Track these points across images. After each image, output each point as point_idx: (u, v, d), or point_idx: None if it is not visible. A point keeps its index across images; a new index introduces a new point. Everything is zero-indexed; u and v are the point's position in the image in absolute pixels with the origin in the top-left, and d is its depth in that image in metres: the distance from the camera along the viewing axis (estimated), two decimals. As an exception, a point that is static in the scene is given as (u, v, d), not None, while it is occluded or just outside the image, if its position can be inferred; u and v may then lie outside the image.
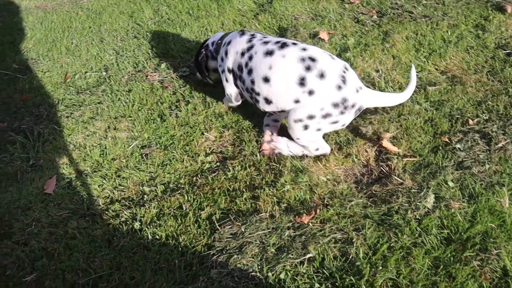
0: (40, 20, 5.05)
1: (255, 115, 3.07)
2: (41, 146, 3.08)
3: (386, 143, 2.65)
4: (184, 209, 2.44)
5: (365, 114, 2.95)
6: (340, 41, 3.78)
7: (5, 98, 3.69)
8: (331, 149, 2.70)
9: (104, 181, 2.71)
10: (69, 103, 3.54)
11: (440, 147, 2.64)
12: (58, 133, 3.19)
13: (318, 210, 2.32)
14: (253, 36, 2.73)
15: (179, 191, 2.56)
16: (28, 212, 2.58)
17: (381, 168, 2.58)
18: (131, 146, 2.96)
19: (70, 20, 5.01)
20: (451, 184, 2.38)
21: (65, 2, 5.65)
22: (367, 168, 2.61)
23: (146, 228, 2.35)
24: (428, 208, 2.26)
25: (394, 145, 2.67)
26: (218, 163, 2.75)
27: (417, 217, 2.22)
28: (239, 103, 2.97)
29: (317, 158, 2.66)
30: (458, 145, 2.63)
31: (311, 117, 2.45)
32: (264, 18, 4.37)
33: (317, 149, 2.65)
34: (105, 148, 2.97)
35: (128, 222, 2.41)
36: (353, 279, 1.97)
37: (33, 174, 2.86)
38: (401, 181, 2.44)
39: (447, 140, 2.67)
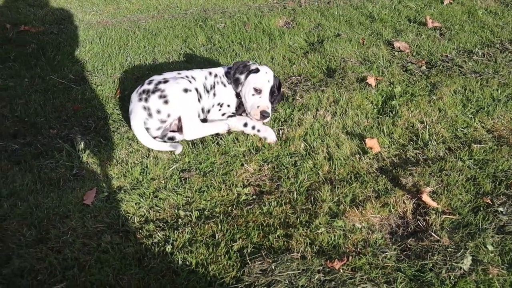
0: (99, 35, 5.26)
1: (296, 153, 3.07)
2: (86, 157, 3.15)
3: (425, 197, 2.58)
4: (217, 238, 2.44)
5: (406, 165, 2.90)
6: (386, 88, 3.77)
7: (58, 106, 3.81)
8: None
9: (141, 199, 2.74)
10: (117, 118, 3.63)
11: (481, 208, 2.55)
12: (103, 146, 3.27)
13: (350, 257, 2.27)
14: None
15: (213, 220, 2.56)
16: (65, 220, 2.61)
17: (418, 222, 2.51)
18: (171, 168, 2.99)
19: (127, 38, 5.19)
20: (490, 248, 2.29)
21: (124, 20, 5.87)
22: (404, 220, 2.55)
23: (177, 253, 2.35)
24: (464, 270, 2.18)
25: (433, 200, 2.60)
26: (254, 196, 2.74)
27: (452, 278, 2.14)
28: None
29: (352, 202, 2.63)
30: (500, 208, 2.54)
31: None
32: (313, 57, 4.41)
33: None
34: (146, 167, 3.01)
35: (160, 244, 2.42)
36: (381, 335, 1.90)
37: (75, 183, 2.92)
38: (438, 238, 2.37)
39: (489, 201, 2.59)
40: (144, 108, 3.18)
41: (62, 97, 3.96)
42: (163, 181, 2.89)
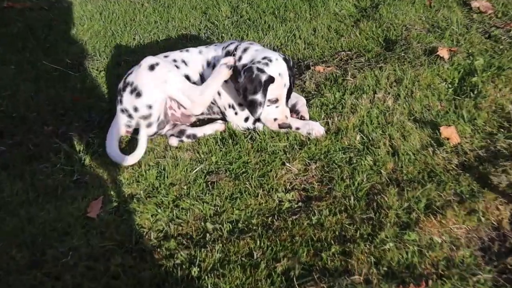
0: (100, 10, 5.30)
1: (350, 147, 2.98)
2: (89, 159, 3.15)
3: (527, 201, 2.45)
4: (255, 257, 2.39)
5: (496, 159, 2.76)
6: (464, 62, 3.64)
7: (53, 97, 3.84)
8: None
9: (159, 210, 2.72)
10: (125, 110, 3.63)
11: None
12: (110, 145, 3.26)
13: (430, 281, 2.17)
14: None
15: (250, 234, 2.51)
16: (65, 238, 2.61)
17: (519, 234, 2.38)
18: (195, 171, 2.97)
19: (134, 13, 5.21)
20: None
21: (129, -10, 5.89)
22: (499, 232, 2.42)
23: (206, 277, 2.31)
24: None
25: (538, 205, 2.46)
26: (300, 203, 2.69)
27: None
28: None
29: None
30: None
31: None
32: (366, 26, 4.33)
33: None
34: (164, 169, 3.00)
35: (184, 266, 2.38)
36: None
37: (76, 191, 2.92)
38: (547, 255, 2.23)
39: None
40: (122, 111, 3.24)
41: (57, 86, 4.00)
42: (185, 187, 2.87)
